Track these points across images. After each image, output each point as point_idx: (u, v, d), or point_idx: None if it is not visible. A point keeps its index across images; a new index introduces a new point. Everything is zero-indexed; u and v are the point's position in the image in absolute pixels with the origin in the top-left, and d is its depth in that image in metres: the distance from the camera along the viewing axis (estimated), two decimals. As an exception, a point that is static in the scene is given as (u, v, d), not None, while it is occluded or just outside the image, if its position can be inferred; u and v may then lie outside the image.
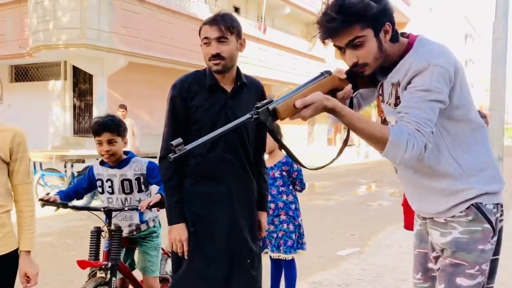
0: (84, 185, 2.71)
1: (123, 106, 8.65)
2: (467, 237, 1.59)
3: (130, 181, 2.60)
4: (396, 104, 1.60)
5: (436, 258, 1.72)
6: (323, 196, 9.44)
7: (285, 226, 3.16)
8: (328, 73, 1.63)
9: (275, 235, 3.16)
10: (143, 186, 2.62)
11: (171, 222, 2.13)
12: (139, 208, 2.36)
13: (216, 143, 2.07)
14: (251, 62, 15.54)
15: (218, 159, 2.11)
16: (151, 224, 2.73)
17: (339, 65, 1.67)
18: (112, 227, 2.52)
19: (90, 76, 13.16)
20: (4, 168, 1.91)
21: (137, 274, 2.78)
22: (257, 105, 1.43)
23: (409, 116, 1.46)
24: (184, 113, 2.14)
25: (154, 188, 2.58)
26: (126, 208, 2.48)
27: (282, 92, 16.38)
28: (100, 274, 2.37)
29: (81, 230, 5.84)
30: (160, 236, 2.79)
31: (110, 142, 2.53)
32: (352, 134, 1.61)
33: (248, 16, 18.95)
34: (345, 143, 1.71)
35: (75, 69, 13.51)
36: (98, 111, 12.72)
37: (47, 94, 14.18)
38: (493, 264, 1.68)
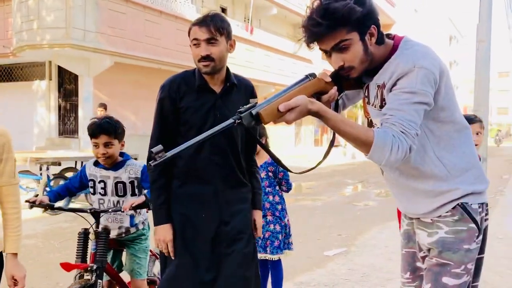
0: (76, 184, 2.68)
1: (102, 105, 8.50)
2: (453, 236, 1.61)
3: (124, 183, 2.57)
4: (381, 106, 1.60)
5: (424, 258, 1.74)
6: (310, 196, 9.47)
7: (271, 226, 3.16)
8: (313, 75, 1.62)
9: (261, 235, 3.16)
10: (136, 190, 2.59)
11: (156, 222, 2.13)
12: (122, 209, 2.35)
13: (203, 144, 2.06)
14: (238, 63, 15.53)
15: (206, 161, 2.10)
16: (140, 227, 2.70)
17: (326, 66, 1.68)
18: (100, 228, 2.49)
19: (76, 77, 13.03)
20: None
21: (125, 275, 2.76)
22: (240, 110, 1.42)
23: (394, 118, 1.46)
24: (173, 114, 2.13)
25: None
26: (110, 210, 2.45)
27: (269, 93, 16.42)
28: (87, 276, 2.35)
29: (66, 232, 5.77)
30: (148, 238, 2.77)
31: (106, 145, 2.49)
32: (338, 135, 1.62)
33: (235, 16, 18.94)
34: (331, 145, 1.71)
35: (60, 69, 13.36)
36: (84, 111, 12.61)
37: (31, 94, 14.00)
38: (478, 263, 1.71)
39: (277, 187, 3.27)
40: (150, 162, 1.39)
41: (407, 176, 1.68)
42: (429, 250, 1.68)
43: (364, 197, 9.49)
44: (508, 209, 7.69)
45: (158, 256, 3.01)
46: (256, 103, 1.44)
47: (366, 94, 1.72)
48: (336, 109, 1.74)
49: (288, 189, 3.30)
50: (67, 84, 13.64)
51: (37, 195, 2.49)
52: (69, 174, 7.64)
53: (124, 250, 2.77)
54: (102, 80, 13.03)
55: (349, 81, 1.68)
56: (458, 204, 1.62)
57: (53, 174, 7.28)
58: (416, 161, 1.62)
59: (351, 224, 6.58)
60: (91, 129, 2.51)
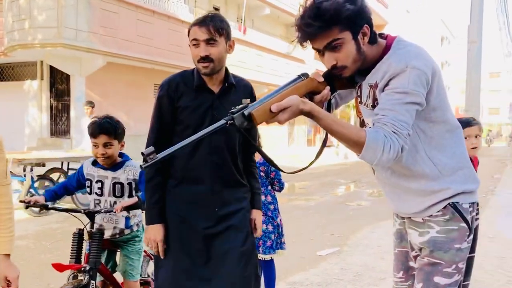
0: (73, 183, 2.66)
1: (89, 103, 8.38)
2: (444, 236, 1.63)
3: (122, 184, 2.56)
4: (373, 106, 1.61)
5: (416, 257, 1.75)
6: (303, 196, 9.49)
7: (264, 226, 3.16)
8: (305, 75, 1.63)
9: (261, 234, 3.16)
10: (134, 192, 2.58)
11: (148, 222, 2.13)
12: (114, 210, 2.33)
13: (200, 144, 2.06)
14: (231, 62, 15.44)
15: (203, 160, 2.10)
16: (134, 228, 2.69)
17: (319, 66, 1.68)
18: (94, 229, 2.47)
19: (68, 76, 12.94)
20: None
21: (119, 276, 2.75)
22: (232, 110, 1.42)
23: (386, 118, 1.47)
24: (170, 113, 2.13)
25: None
26: (102, 211, 2.44)
27: (262, 93, 16.42)
28: (80, 277, 2.34)
29: (58, 233, 5.74)
30: (142, 240, 2.75)
31: (106, 145, 2.48)
32: (330, 136, 1.62)
33: (228, 16, 18.83)
34: (323, 145, 1.71)
35: (52, 69, 13.27)
36: (76, 111, 12.53)
37: (23, 94, 13.89)
38: (469, 262, 1.72)
39: (269, 187, 3.27)
40: (141, 164, 1.39)
41: (399, 175, 1.69)
42: (420, 249, 1.69)
43: (356, 197, 9.52)
44: (499, 208, 7.76)
45: (152, 257, 3.01)
46: (249, 103, 1.44)
47: (359, 94, 1.73)
48: (329, 109, 1.75)
49: (281, 188, 3.30)
50: (59, 84, 13.54)
51: (33, 195, 2.48)
52: (55, 175, 7.47)
53: (118, 250, 2.76)
54: (94, 80, 12.96)
55: (341, 80, 1.69)
56: (449, 204, 1.63)
57: (37, 175, 7.06)
58: (407, 161, 1.63)
59: (343, 223, 6.60)
60: (91, 128, 2.49)
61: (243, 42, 17.58)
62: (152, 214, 2.12)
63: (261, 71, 18.98)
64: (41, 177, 7.14)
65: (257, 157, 3.22)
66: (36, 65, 13.59)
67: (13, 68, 14.21)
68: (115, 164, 2.57)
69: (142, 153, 1.35)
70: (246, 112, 1.41)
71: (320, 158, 1.69)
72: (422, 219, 1.68)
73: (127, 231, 2.65)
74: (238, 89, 2.19)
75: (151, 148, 1.36)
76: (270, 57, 19.83)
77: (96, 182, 2.57)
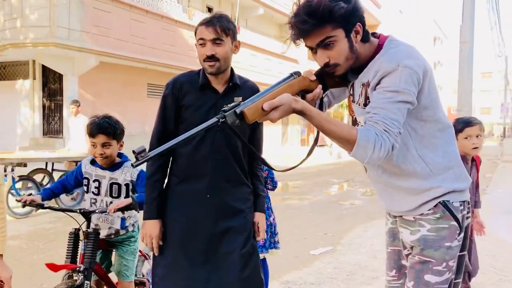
0: (71, 181, 2.65)
1: (75, 102, 8.26)
2: (435, 234, 1.64)
3: (119, 185, 2.55)
4: (365, 104, 1.62)
5: (408, 256, 1.76)
6: (297, 195, 9.51)
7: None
8: (297, 74, 1.64)
9: (264, 237, 3.16)
10: (130, 193, 2.57)
11: (145, 217, 2.14)
12: (108, 210, 2.33)
13: (202, 143, 2.08)
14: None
15: (204, 159, 2.10)
16: (130, 228, 2.68)
17: (312, 66, 1.69)
18: (91, 229, 2.46)
19: (60, 76, 12.87)
20: None
21: (114, 275, 2.74)
22: (224, 108, 1.42)
23: (377, 116, 1.48)
24: (174, 111, 2.15)
25: None
26: (97, 211, 2.43)
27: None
28: (75, 277, 2.33)
29: (50, 233, 5.72)
30: (138, 241, 2.74)
31: (104, 145, 2.47)
32: (322, 134, 1.63)
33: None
34: (315, 144, 1.72)
35: (45, 69, 13.18)
36: (69, 111, 12.45)
37: (15, 94, 13.80)
38: (460, 260, 1.74)
39: (262, 186, 3.27)
40: (132, 162, 1.40)
41: (390, 174, 1.70)
42: (412, 248, 1.71)
43: (350, 196, 9.56)
44: (491, 207, 7.82)
45: (148, 257, 3.00)
46: (241, 101, 1.44)
47: (351, 92, 1.74)
48: (321, 107, 1.76)
49: (274, 187, 3.31)
50: (52, 83, 13.46)
51: (30, 194, 2.46)
52: (38, 176, 7.30)
53: (114, 250, 2.75)
54: (87, 80, 12.90)
55: (333, 79, 1.70)
56: (439, 202, 1.65)
57: (19, 176, 6.86)
58: (398, 159, 1.64)
59: (337, 223, 6.62)
60: (90, 128, 2.48)
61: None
62: (150, 209, 2.14)
63: (254, 71, 18.99)
64: (24, 178, 6.94)
65: None
66: (28, 64, 13.50)
67: (5, 67, 14.11)
68: (113, 164, 2.56)
69: (133, 151, 1.35)
70: (238, 110, 1.42)
71: (311, 156, 1.69)
72: (414, 217, 1.69)
73: (122, 232, 2.64)
74: (243, 89, 2.19)
75: (142, 147, 1.37)
76: (263, 57, 19.84)
77: (94, 181, 2.56)
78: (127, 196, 2.55)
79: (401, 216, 1.75)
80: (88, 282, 2.33)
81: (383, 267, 1.98)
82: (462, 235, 1.68)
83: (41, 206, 2.46)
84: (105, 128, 2.46)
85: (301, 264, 4.48)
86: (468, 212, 1.74)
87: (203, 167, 2.11)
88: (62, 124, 12.96)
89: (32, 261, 4.53)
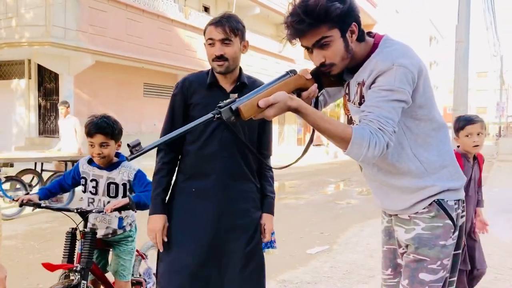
0: (69, 181, 2.64)
1: (64, 103, 8.20)
2: (429, 233, 1.65)
3: (117, 185, 2.54)
4: (360, 103, 1.63)
5: (403, 254, 1.77)
6: (293, 195, 9.52)
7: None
8: (293, 72, 1.64)
9: (270, 240, 3.15)
10: (128, 193, 2.56)
11: (150, 212, 2.17)
12: (104, 210, 2.32)
13: (210, 141, 2.10)
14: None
15: (211, 156, 2.11)
16: (127, 228, 2.67)
17: (309, 65, 1.69)
18: (88, 229, 2.46)
19: (56, 75, 12.83)
20: None
21: (111, 275, 2.74)
22: (219, 105, 1.43)
23: (372, 115, 1.49)
24: (183, 109, 2.18)
25: None
26: (93, 211, 2.42)
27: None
28: (72, 276, 2.32)
29: (47, 233, 5.70)
30: (135, 240, 2.74)
31: (102, 145, 2.46)
32: (317, 133, 1.63)
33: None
34: (310, 142, 1.73)
35: (40, 68, 13.15)
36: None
37: (10, 93, 13.74)
38: (455, 258, 1.74)
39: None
40: (127, 156, 1.40)
41: (385, 172, 1.71)
42: (407, 246, 1.71)
43: (346, 195, 9.58)
44: (486, 206, 7.84)
45: (145, 257, 3.00)
46: (236, 98, 1.45)
47: (347, 91, 1.75)
48: (316, 106, 1.76)
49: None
50: (47, 83, 13.43)
51: (27, 193, 2.46)
52: (27, 177, 7.16)
53: (111, 250, 2.74)
54: (83, 79, 12.87)
55: (329, 78, 1.71)
56: (434, 201, 1.66)
57: (5, 177, 6.72)
58: (393, 158, 1.65)
59: (333, 222, 6.64)
60: (87, 128, 2.47)
61: (233, 41, 17.54)
62: (155, 204, 2.16)
63: (251, 71, 18.97)
64: (11, 179, 6.79)
65: None
66: (24, 63, 13.46)
67: (0, 66, 14.06)
68: (111, 164, 2.56)
69: (128, 145, 1.36)
70: (233, 107, 1.42)
71: (308, 155, 1.70)
72: (409, 216, 1.70)
73: (119, 231, 2.64)
74: (251, 89, 2.19)
75: (137, 140, 1.37)
76: (260, 56, 19.85)
77: (91, 180, 2.56)
78: (124, 195, 2.55)
79: (397, 214, 1.76)
80: (85, 282, 2.32)
81: (379, 266, 1.99)
82: (456, 233, 1.69)
83: (38, 206, 2.45)
84: (103, 128, 2.45)
85: (298, 263, 4.49)
86: (463, 211, 1.75)
87: (210, 164, 2.12)
88: (58, 123, 12.94)
89: (28, 261, 4.52)
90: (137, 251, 2.85)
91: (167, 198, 2.20)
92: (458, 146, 2.94)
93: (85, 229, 2.43)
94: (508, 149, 22.88)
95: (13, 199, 2.42)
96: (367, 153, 1.45)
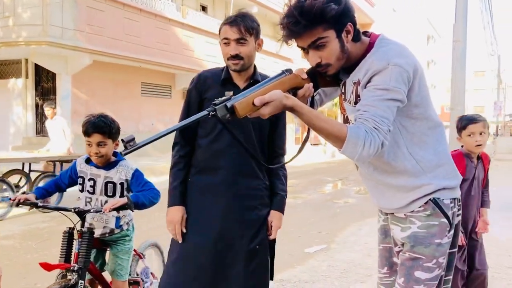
0: (65, 181, 2.63)
1: (50, 104, 8.10)
2: (425, 231, 1.66)
3: (114, 184, 2.54)
4: (356, 103, 1.63)
5: (399, 253, 1.77)
6: (291, 194, 9.52)
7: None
8: (289, 71, 1.65)
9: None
10: (125, 192, 2.55)
11: (169, 204, 2.21)
12: (103, 210, 2.32)
13: (220, 137, 2.14)
14: (218, 61, 15.48)
15: (220, 152, 2.14)
16: (124, 227, 2.67)
17: (307, 65, 1.70)
18: (85, 228, 2.45)
19: (54, 75, 12.81)
20: None
21: (108, 274, 2.74)
22: (214, 102, 1.43)
23: (367, 114, 1.49)
24: (197, 105, 2.21)
25: None
26: (91, 210, 2.42)
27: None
28: (69, 276, 2.32)
29: (44, 232, 5.69)
30: (132, 240, 2.74)
31: (99, 144, 2.46)
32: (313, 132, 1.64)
33: (215, 15, 18.89)
34: (305, 141, 1.74)
35: (37, 67, 13.12)
36: (62, 110, 12.40)
37: (7, 93, 13.72)
38: (450, 257, 1.75)
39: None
40: (121, 151, 1.40)
41: (381, 171, 1.71)
42: (403, 244, 1.72)
43: (344, 194, 9.59)
44: (484, 205, 7.87)
45: (142, 256, 3.00)
46: (232, 96, 1.45)
47: (343, 91, 1.75)
48: (312, 105, 1.77)
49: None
50: (45, 82, 13.40)
51: (23, 193, 2.45)
52: (14, 178, 6.99)
53: (108, 249, 2.74)
54: (80, 79, 12.85)
55: (325, 78, 1.71)
56: (430, 199, 1.66)
57: None
58: (389, 157, 1.66)
59: (331, 221, 6.65)
60: (85, 127, 2.46)
61: (230, 41, 17.54)
62: (173, 196, 2.20)
63: (249, 70, 18.97)
64: None
65: None
66: (21, 63, 13.43)
67: (-3, 66, 14.03)
68: (108, 163, 2.55)
69: (122, 140, 1.35)
70: (228, 104, 1.42)
71: (305, 154, 1.71)
72: (405, 214, 1.71)
73: (117, 231, 2.64)
74: None
75: (131, 136, 1.37)
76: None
77: (89, 180, 2.56)
78: (122, 195, 2.54)
79: (393, 213, 1.77)
80: (82, 282, 2.31)
81: (377, 265, 1.99)
82: (452, 232, 1.70)
83: (35, 205, 2.45)
84: (101, 127, 2.45)
85: (296, 262, 4.50)
86: (459, 210, 1.75)
87: (219, 160, 2.15)
88: (45, 125, 12.92)
89: (25, 261, 4.51)
90: (134, 250, 2.85)
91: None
92: (462, 146, 2.92)
93: (83, 229, 2.43)
94: (505, 148, 22.96)
95: (10, 199, 2.40)
96: (362, 152, 1.45)
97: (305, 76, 1.66)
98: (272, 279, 2.37)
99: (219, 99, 1.44)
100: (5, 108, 13.67)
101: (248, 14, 2.15)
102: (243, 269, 2.12)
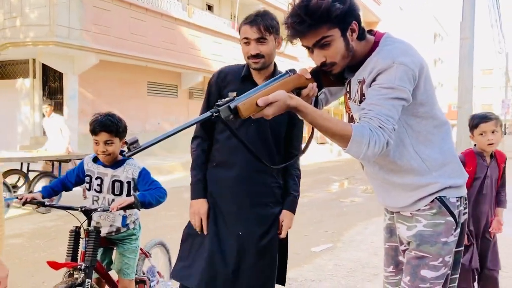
0: (72, 179, 2.65)
1: (47, 103, 8.10)
2: (431, 230, 1.65)
3: (121, 182, 2.55)
4: (361, 101, 1.63)
5: (404, 251, 1.77)
6: (297, 193, 9.51)
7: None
8: (293, 71, 1.65)
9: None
10: (132, 191, 2.57)
11: (191, 197, 2.27)
12: (110, 209, 2.32)
13: (237, 132, 2.13)
14: (225, 60, 15.52)
15: (235, 148, 2.17)
16: (131, 226, 2.68)
17: (312, 63, 1.70)
18: (91, 227, 2.46)
19: (61, 74, 12.88)
20: None
21: (114, 273, 2.75)
22: (218, 103, 1.43)
23: (371, 112, 1.49)
24: (217, 99, 2.23)
25: None
26: (98, 209, 2.42)
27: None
28: (76, 275, 2.33)
29: (52, 231, 5.73)
30: (139, 238, 2.75)
31: (107, 142, 2.47)
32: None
33: (221, 14, 18.90)
34: (309, 141, 1.74)
35: (45, 67, 13.20)
36: (69, 110, 12.49)
37: (15, 93, 13.81)
38: (457, 255, 1.74)
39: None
40: (124, 153, 1.42)
41: (387, 170, 1.71)
42: (408, 243, 1.72)
43: (350, 193, 9.57)
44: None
45: (148, 255, 3.02)
46: (235, 96, 1.44)
47: (348, 90, 1.75)
48: (316, 104, 1.77)
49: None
50: (52, 82, 13.48)
51: (30, 192, 2.46)
52: (12, 178, 6.98)
53: (114, 248, 2.75)
54: (87, 78, 12.91)
55: (329, 78, 1.71)
56: (436, 198, 1.66)
57: None
58: (395, 156, 1.65)
59: (337, 220, 6.64)
60: (92, 126, 2.48)
61: (236, 40, 17.53)
62: (196, 189, 2.26)
63: (255, 69, 18.96)
64: None
65: None
66: (29, 63, 13.52)
67: (4, 66, 14.13)
68: (116, 162, 2.57)
69: (126, 142, 1.36)
70: (232, 105, 1.42)
71: (311, 154, 1.70)
72: (410, 213, 1.70)
73: (123, 229, 2.65)
74: None
75: (135, 137, 1.37)
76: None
77: (96, 178, 2.57)
78: (129, 193, 2.55)
79: (399, 212, 1.76)
80: (89, 280, 2.32)
81: (383, 264, 1.99)
82: (458, 230, 1.69)
83: (42, 204, 2.46)
84: (108, 126, 2.46)
85: (302, 261, 4.49)
86: (465, 208, 1.75)
87: (234, 156, 2.18)
88: (42, 123, 12.99)
89: (34, 259, 4.54)
90: (140, 249, 2.86)
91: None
92: (475, 145, 2.90)
93: (89, 228, 2.44)
94: (513, 146, 22.70)
95: (17, 198, 2.42)
96: (367, 151, 1.45)
97: (309, 76, 1.66)
98: (284, 284, 2.40)
99: (222, 100, 1.44)
100: (13, 108, 13.76)
101: (267, 13, 2.17)
102: (252, 266, 2.15)
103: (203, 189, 2.25)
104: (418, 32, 35.71)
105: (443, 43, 49.61)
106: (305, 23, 1.51)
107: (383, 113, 1.48)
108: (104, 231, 2.58)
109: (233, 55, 17.03)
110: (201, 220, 2.22)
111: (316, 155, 18.16)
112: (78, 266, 2.34)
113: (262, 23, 2.10)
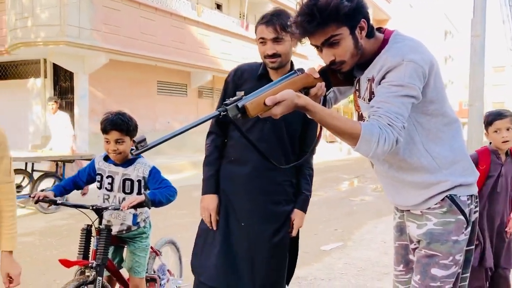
0: (83, 178, 2.67)
1: (53, 99, 7.93)
2: (441, 228, 1.64)
3: (132, 181, 2.57)
4: (370, 99, 1.62)
5: (414, 250, 1.76)
6: (307, 192, 9.49)
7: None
8: (301, 71, 1.65)
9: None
10: (143, 189, 2.58)
11: (203, 192, 2.29)
12: (121, 208, 2.34)
13: (251, 131, 2.18)
14: (234, 59, 15.53)
15: (248, 144, 2.16)
16: (141, 224, 2.69)
17: (322, 62, 1.69)
18: (103, 225, 2.48)
19: (71, 74, 12.98)
20: None
21: (125, 271, 2.77)
22: (226, 102, 1.43)
23: (381, 110, 1.48)
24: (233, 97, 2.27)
25: None
26: (109, 208, 2.44)
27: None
28: (87, 273, 2.35)
29: (63, 230, 5.79)
30: (149, 237, 2.76)
31: (117, 141, 2.49)
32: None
33: (230, 13, 18.90)
34: (317, 140, 1.73)
35: (55, 67, 13.31)
36: (80, 109, 12.59)
37: (26, 92, 13.95)
38: (468, 254, 1.73)
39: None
40: (131, 151, 1.43)
41: (397, 168, 1.70)
42: (419, 242, 1.71)
43: (360, 192, 9.53)
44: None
45: (159, 253, 3.03)
46: (243, 95, 1.44)
47: (357, 88, 1.74)
48: (325, 103, 1.76)
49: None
50: (63, 81, 13.59)
51: (42, 190, 2.50)
52: (18, 177, 6.92)
53: (125, 246, 2.77)
54: (97, 78, 13.00)
55: (338, 77, 1.70)
56: (446, 196, 1.64)
57: None
58: (405, 154, 1.64)
59: (347, 219, 6.62)
60: (103, 124, 2.50)
61: (245, 38, 17.57)
62: (208, 184, 2.28)
63: (264, 67, 18.93)
64: None
65: None
66: (40, 63, 13.64)
67: (16, 66, 14.27)
68: (126, 160, 2.58)
69: (133, 140, 1.37)
70: (240, 104, 1.41)
71: (319, 152, 1.70)
72: (421, 211, 1.69)
73: (134, 228, 2.66)
74: None
75: (143, 136, 1.38)
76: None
77: (107, 177, 2.59)
78: (139, 192, 2.57)
79: (409, 210, 1.76)
80: (100, 278, 2.34)
81: (392, 262, 1.98)
82: (469, 229, 1.67)
83: (54, 202, 2.49)
84: (119, 125, 2.48)
85: (312, 259, 4.49)
86: (476, 207, 1.73)
87: (248, 153, 2.18)
88: (74, 122, 13.08)
89: (45, 257, 4.59)
90: (151, 247, 2.87)
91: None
92: (491, 143, 2.86)
93: (100, 226, 2.45)
94: (526, 144, 22.42)
95: (30, 196, 2.45)
96: (377, 149, 1.44)
97: (317, 75, 1.66)
98: (288, 283, 2.40)
99: (231, 99, 1.44)
100: (24, 107, 13.90)
101: (283, 12, 2.17)
102: (264, 263, 2.17)
103: (214, 184, 2.27)
104: (428, 29, 35.42)
105: (453, 41, 49.14)
106: (314, 21, 1.51)
107: (393, 110, 1.47)
108: (115, 229, 2.60)
109: (242, 54, 17.04)
110: (211, 215, 2.24)
111: (326, 154, 18.11)
112: (90, 264, 2.36)
113: (278, 22, 2.09)
